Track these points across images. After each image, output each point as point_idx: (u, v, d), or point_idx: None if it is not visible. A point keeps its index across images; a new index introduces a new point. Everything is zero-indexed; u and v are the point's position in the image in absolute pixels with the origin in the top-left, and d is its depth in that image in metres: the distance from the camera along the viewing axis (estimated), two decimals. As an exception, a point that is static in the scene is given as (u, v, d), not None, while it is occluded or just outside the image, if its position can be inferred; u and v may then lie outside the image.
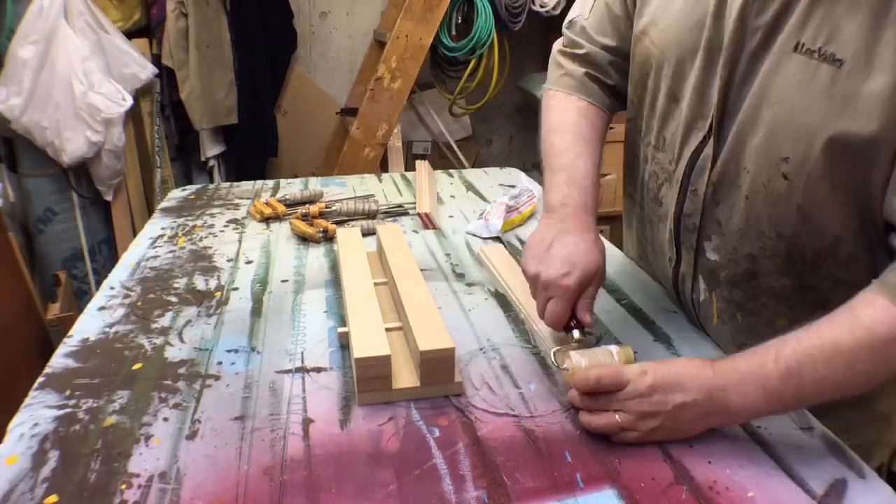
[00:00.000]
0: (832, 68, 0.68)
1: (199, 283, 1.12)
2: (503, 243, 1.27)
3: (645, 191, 0.97)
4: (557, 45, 1.04)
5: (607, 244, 1.23)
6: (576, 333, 0.83)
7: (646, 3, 0.89)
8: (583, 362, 0.77)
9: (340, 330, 0.92)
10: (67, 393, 0.81)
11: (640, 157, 0.96)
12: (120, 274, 1.15)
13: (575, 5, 1.03)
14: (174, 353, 0.90)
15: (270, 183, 1.69)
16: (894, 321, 0.64)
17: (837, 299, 0.69)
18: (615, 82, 0.99)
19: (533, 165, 3.59)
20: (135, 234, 2.26)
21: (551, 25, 3.13)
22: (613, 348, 0.80)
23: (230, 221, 1.41)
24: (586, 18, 0.99)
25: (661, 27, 0.85)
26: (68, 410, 0.78)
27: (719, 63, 0.77)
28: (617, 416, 0.71)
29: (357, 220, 1.38)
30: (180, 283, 1.12)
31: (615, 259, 1.18)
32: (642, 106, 0.93)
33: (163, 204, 1.55)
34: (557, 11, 2.91)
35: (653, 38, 0.86)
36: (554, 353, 0.83)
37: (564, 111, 0.97)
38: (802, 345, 0.66)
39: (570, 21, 1.02)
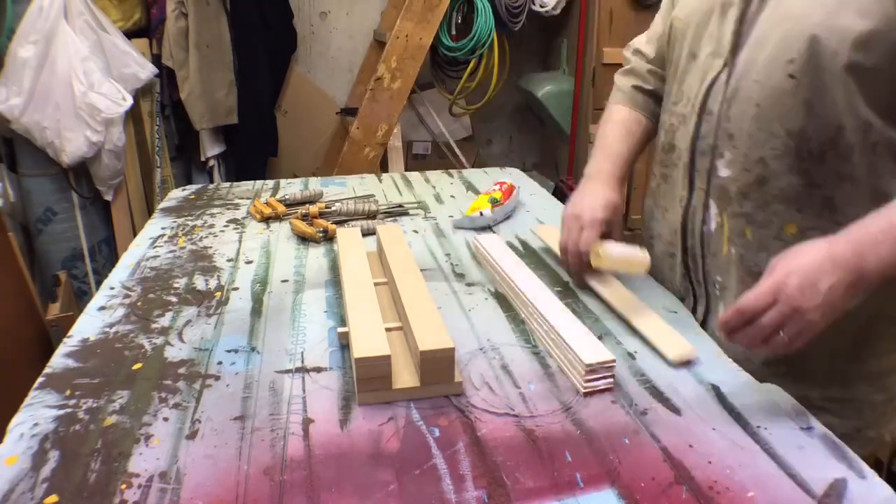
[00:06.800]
0: None
1: (199, 283, 1.12)
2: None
3: (661, 153, 1.06)
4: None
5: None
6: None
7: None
8: (615, 249, 0.99)
9: (340, 330, 0.92)
10: (67, 393, 0.81)
11: (663, 126, 1.06)
12: (120, 274, 1.15)
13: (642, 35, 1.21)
14: (174, 353, 0.91)
15: (270, 183, 1.69)
16: None
17: (840, 197, 0.85)
18: (654, 87, 1.15)
19: (533, 165, 3.60)
20: (135, 234, 2.26)
21: (551, 25, 3.13)
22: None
23: (230, 221, 1.41)
24: (643, 41, 1.17)
25: (684, 5, 1.00)
26: (68, 410, 0.78)
27: (730, 12, 0.90)
28: (782, 333, 0.73)
29: (357, 220, 1.38)
30: (180, 283, 1.12)
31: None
32: (667, 77, 1.06)
33: (163, 204, 1.55)
34: (557, 11, 2.91)
35: (679, 16, 1.01)
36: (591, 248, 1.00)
37: (615, 113, 1.16)
38: None
39: (629, 45, 1.21)
